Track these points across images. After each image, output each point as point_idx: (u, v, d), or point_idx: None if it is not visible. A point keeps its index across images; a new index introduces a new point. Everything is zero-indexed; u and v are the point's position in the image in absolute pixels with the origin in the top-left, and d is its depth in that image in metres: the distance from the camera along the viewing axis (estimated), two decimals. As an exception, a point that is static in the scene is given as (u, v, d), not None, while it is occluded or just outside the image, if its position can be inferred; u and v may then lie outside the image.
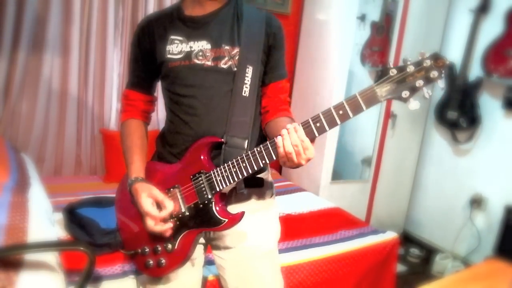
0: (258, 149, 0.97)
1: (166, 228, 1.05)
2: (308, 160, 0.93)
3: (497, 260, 1.52)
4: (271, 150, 0.96)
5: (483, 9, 2.76)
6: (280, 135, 0.93)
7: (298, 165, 0.94)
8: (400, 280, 2.31)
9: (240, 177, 1.00)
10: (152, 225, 1.05)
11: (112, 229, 1.64)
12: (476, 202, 2.86)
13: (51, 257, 1.17)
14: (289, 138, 0.91)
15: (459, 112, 2.85)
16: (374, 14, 3.00)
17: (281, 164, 0.97)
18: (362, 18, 3.02)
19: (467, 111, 2.82)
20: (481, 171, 2.87)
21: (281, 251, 1.85)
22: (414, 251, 3.08)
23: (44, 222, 1.37)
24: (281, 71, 1.17)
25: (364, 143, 3.11)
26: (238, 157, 0.99)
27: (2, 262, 0.99)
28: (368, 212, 3.11)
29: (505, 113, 2.73)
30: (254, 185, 1.14)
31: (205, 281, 1.50)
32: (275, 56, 1.15)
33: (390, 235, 2.11)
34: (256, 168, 0.98)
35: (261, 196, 1.19)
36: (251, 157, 0.98)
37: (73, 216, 1.81)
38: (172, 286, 1.17)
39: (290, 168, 0.99)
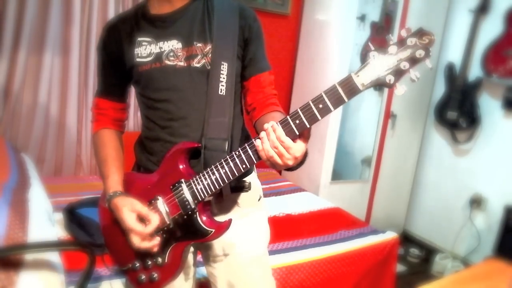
0: (237, 153, 0.91)
1: (153, 244, 0.99)
2: (296, 158, 0.86)
3: (496, 260, 1.52)
4: (251, 153, 0.89)
5: (483, 9, 2.76)
6: (259, 138, 0.87)
7: (286, 166, 0.87)
8: (400, 280, 2.31)
9: (222, 184, 0.94)
10: (138, 242, 0.98)
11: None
12: (476, 202, 2.86)
13: (51, 257, 1.17)
14: (268, 140, 0.85)
15: (459, 112, 2.85)
16: (374, 14, 3.00)
17: (269, 167, 0.90)
18: (362, 18, 3.02)
19: (467, 111, 2.82)
20: (481, 171, 2.87)
21: (281, 251, 1.86)
22: (414, 251, 3.08)
23: (44, 222, 1.37)
24: (261, 63, 1.10)
25: (364, 143, 3.11)
26: (217, 163, 0.94)
27: (2, 262, 0.99)
28: (368, 212, 3.11)
29: (504, 113, 2.73)
30: (241, 189, 1.08)
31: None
32: (252, 48, 1.08)
33: (390, 235, 2.11)
34: (237, 174, 0.92)
35: (248, 200, 1.13)
36: (230, 162, 0.92)
37: (73, 216, 1.82)
38: None
39: (282, 169, 0.92)
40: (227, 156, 0.93)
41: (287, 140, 0.84)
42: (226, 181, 0.94)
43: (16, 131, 2.35)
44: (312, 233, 2.07)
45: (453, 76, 2.89)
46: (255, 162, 0.91)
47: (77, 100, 2.47)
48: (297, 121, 0.84)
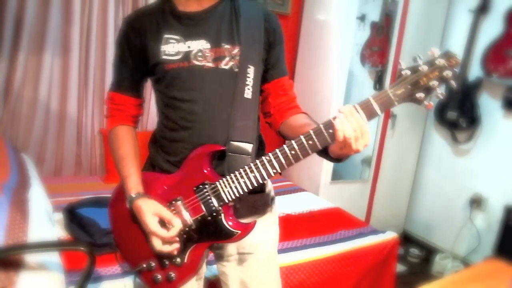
0: (267, 157, 0.92)
1: (174, 248, 1.00)
2: (366, 146, 0.88)
3: (496, 260, 1.52)
4: (282, 158, 0.91)
5: (483, 9, 2.76)
6: (335, 118, 0.87)
7: (354, 152, 0.87)
8: (400, 280, 2.31)
9: (250, 187, 0.95)
10: (159, 245, 0.99)
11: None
12: (476, 202, 2.86)
13: (51, 257, 1.17)
14: (349, 121, 0.85)
15: (459, 112, 2.85)
16: (374, 14, 3.00)
17: (334, 152, 0.90)
18: (362, 18, 3.02)
19: (467, 111, 2.82)
20: (480, 171, 2.87)
21: (281, 251, 1.85)
22: (414, 251, 3.08)
23: (44, 222, 1.37)
24: (283, 67, 1.12)
25: (364, 143, 3.11)
26: (246, 167, 0.95)
27: (2, 262, 0.99)
28: (368, 212, 3.11)
29: (504, 113, 2.73)
30: (257, 191, 1.09)
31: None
32: (276, 52, 1.09)
33: (390, 235, 2.11)
34: (266, 178, 0.94)
35: (263, 201, 1.15)
36: (260, 166, 0.93)
37: (73, 216, 1.82)
38: None
39: (347, 155, 0.91)
40: (257, 161, 0.94)
41: (365, 125, 0.86)
42: (256, 184, 0.95)
43: (16, 131, 2.35)
44: (312, 233, 2.07)
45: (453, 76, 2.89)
46: (286, 167, 0.92)
47: (77, 100, 2.47)
48: (330, 131, 0.87)
